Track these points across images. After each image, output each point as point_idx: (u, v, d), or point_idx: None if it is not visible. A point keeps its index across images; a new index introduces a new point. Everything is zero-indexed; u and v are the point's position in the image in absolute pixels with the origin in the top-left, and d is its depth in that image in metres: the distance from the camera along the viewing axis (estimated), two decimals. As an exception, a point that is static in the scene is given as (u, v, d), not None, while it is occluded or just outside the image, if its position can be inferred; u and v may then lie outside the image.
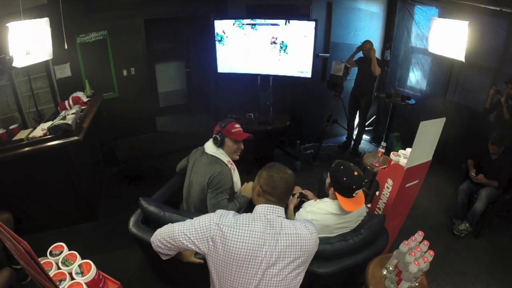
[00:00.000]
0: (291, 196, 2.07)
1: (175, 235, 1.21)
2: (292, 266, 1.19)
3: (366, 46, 3.70)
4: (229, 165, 1.91)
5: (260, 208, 1.25)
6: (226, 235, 1.15)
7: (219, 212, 1.23)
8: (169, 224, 1.28)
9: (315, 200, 1.78)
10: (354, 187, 1.55)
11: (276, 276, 1.17)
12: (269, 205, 1.25)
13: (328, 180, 1.68)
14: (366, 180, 1.85)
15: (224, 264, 1.16)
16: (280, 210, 1.26)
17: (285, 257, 1.17)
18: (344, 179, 1.56)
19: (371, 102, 4.11)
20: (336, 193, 1.59)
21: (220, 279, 1.19)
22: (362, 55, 3.80)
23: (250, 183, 2.16)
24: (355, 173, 1.57)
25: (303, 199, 2.04)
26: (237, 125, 1.91)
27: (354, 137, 4.35)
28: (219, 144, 1.88)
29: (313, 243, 1.25)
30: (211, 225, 1.17)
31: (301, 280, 1.26)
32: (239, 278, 1.16)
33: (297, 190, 2.26)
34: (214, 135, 1.89)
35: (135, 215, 1.89)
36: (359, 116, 4.17)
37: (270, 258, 1.16)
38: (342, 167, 1.60)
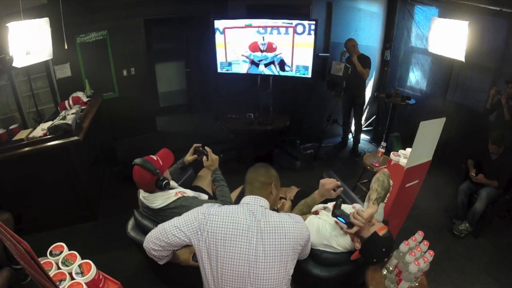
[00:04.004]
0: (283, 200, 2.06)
1: (167, 230, 1.25)
2: (279, 255, 1.20)
3: (348, 44, 3.67)
4: (179, 195, 1.69)
5: (244, 199, 1.35)
6: (211, 222, 1.22)
7: (206, 204, 1.33)
8: (159, 225, 1.32)
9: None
10: (374, 260, 1.50)
11: (264, 268, 1.18)
12: (252, 196, 1.33)
13: (356, 224, 1.48)
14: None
15: (213, 253, 1.20)
16: (262, 200, 1.33)
17: (270, 244, 1.20)
18: (383, 249, 1.46)
19: (365, 101, 4.11)
20: (358, 251, 1.51)
21: (213, 271, 1.22)
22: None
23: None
24: (391, 255, 1.55)
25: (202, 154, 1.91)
26: (153, 156, 1.68)
27: (350, 137, 4.36)
28: (168, 186, 1.66)
29: (298, 232, 1.25)
30: (198, 215, 1.26)
31: (291, 271, 1.26)
32: (228, 265, 1.19)
33: (294, 190, 2.26)
34: (160, 184, 1.61)
35: (133, 219, 1.87)
36: (354, 115, 4.18)
37: (256, 246, 1.19)
38: (391, 241, 1.48)
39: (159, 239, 1.26)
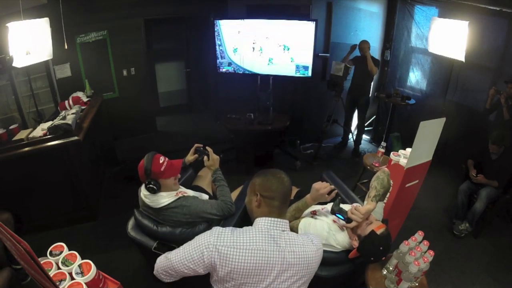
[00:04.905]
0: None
1: (175, 266, 1.17)
2: (298, 284, 1.17)
3: (365, 46, 3.68)
4: (180, 195, 1.68)
5: (262, 222, 1.17)
6: (225, 256, 1.09)
7: (216, 231, 1.15)
8: (166, 255, 1.21)
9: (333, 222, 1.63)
10: (372, 259, 1.47)
11: (279, 284, 1.15)
12: (272, 219, 1.17)
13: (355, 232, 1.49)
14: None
15: (228, 282, 1.13)
16: (284, 223, 1.19)
17: (292, 276, 1.15)
18: (381, 248, 1.40)
19: (369, 101, 4.11)
20: (355, 249, 1.48)
21: None
22: (358, 54, 3.78)
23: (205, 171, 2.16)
24: (389, 255, 1.56)
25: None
26: (162, 158, 1.62)
27: (352, 137, 4.36)
28: (158, 190, 1.61)
29: (318, 259, 1.23)
30: (208, 247, 1.11)
31: None
32: None
33: (293, 190, 2.24)
34: (147, 186, 1.60)
35: (133, 219, 1.85)
36: (358, 116, 4.17)
37: (276, 276, 1.13)
38: (389, 240, 1.44)
39: (167, 271, 1.20)
